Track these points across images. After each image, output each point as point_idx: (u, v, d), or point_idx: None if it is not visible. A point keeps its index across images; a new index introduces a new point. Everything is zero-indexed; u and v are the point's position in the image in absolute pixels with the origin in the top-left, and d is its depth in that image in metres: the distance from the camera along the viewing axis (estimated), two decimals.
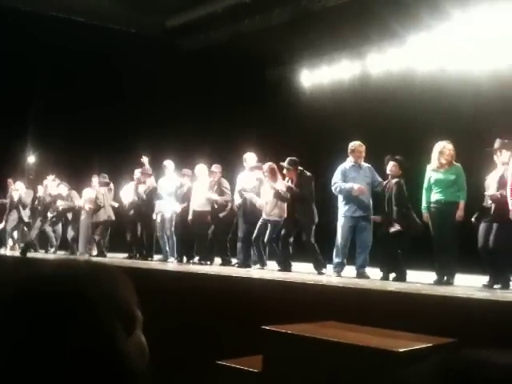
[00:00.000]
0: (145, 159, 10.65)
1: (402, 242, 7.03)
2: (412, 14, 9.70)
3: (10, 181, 13.35)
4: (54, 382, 0.68)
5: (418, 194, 7.14)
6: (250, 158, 9.25)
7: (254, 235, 8.50)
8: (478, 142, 6.88)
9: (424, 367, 0.63)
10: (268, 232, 8.34)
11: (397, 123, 9.74)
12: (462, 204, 6.62)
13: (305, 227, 7.93)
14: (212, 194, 9.32)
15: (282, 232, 8.11)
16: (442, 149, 6.77)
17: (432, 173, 6.83)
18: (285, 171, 8.30)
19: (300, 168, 8.21)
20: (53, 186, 12.33)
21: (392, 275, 6.97)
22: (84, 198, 11.75)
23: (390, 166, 7.24)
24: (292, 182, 8.18)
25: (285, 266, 8.00)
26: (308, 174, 8.18)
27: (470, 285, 6.30)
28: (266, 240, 8.35)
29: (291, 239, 8.16)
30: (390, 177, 7.29)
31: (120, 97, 12.94)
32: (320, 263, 7.79)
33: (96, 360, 0.71)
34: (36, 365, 0.69)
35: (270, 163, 8.61)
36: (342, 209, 7.65)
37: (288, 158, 8.24)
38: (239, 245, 9.09)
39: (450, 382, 0.59)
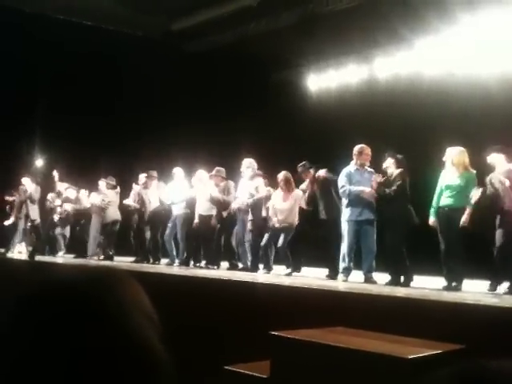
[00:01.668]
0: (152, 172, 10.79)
1: (398, 233, 6.99)
2: (420, 18, 9.67)
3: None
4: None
5: (424, 197, 7.14)
6: (244, 163, 9.24)
7: (264, 243, 8.52)
8: (486, 147, 6.85)
9: (436, 375, 0.62)
10: (283, 239, 8.35)
11: (404, 127, 9.71)
12: (468, 210, 6.60)
13: (330, 235, 7.94)
14: (217, 194, 9.30)
15: (290, 237, 8.12)
16: (454, 155, 6.77)
17: (444, 178, 6.83)
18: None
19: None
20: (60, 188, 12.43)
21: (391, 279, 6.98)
22: (91, 202, 11.77)
23: (389, 163, 7.30)
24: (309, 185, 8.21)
25: (294, 268, 8.02)
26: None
27: (478, 290, 6.27)
28: (280, 246, 8.38)
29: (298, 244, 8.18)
30: (387, 173, 7.31)
31: (126, 99, 12.97)
32: (334, 270, 7.76)
33: (125, 362, 0.71)
34: (51, 370, 0.69)
35: (284, 172, 8.64)
36: (347, 213, 7.65)
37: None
38: (241, 249, 9.11)
39: None
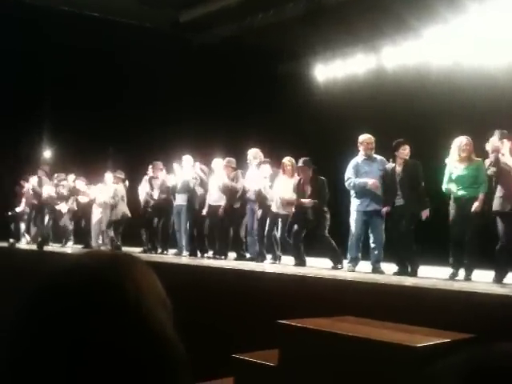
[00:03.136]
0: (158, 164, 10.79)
1: (412, 221, 7.01)
2: (427, 7, 9.60)
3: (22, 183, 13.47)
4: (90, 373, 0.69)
5: (433, 187, 7.13)
6: (250, 154, 9.25)
7: (267, 230, 8.56)
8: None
9: (447, 363, 0.62)
10: (281, 227, 8.42)
11: (411, 117, 9.67)
12: (481, 196, 6.57)
13: (320, 222, 7.93)
14: (227, 181, 9.31)
15: (295, 228, 8.11)
16: (460, 144, 6.74)
17: (453, 169, 6.79)
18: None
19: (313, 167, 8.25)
20: (64, 182, 12.52)
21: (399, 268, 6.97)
22: (97, 194, 11.81)
23: (407, 150, 7.26)
24: (302, 182, 8.19)
25: (300, 261, 8.01)
26: (321, 177, 8.19)
27: (485, 280, 6.26)
28: (279, 235, 8.45)
29: (303, 234, 8.15)
30: (402, 160, 7.26)
31: (133, 92, 12.97)
32: (337, 257, 7.77)
33: (143, 348, 0.72)
34: (66, 360, 0.68)
35: (288, 158, 8.67)
36: (355, 203, 7.65)
37: (303, 159, 8.28)
38: (249, 239, 9.13)
39: (476, 379, 0.58)
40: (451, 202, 6.76)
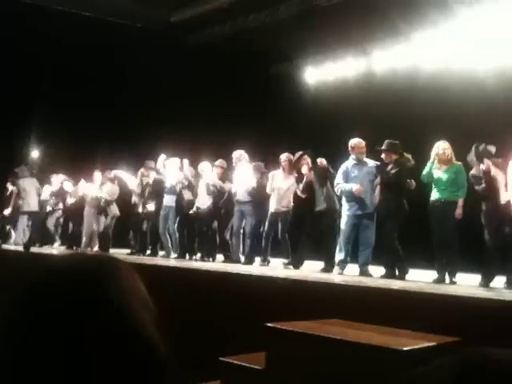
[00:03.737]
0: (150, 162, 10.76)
1: (393, 226, 7.01)
2: (418, 11, 9.67)
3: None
4: (82, 372, 0.69)
5: (421, 190, 7.17)
6: (234, 156, 9.25)
7: (266, 231, 8.52)
8: (482, 142, 6.86)
9: (433, 366, 0.61)
10: (280, 227, 8.42)
11: (401, 121, 9.71)
12: (460, 202, 6.66)
13: (332, 220, 7.86)
14: (216, 181, 9.29)
15: (306, 229, 8.10)
16: (437, 148, 6.83)
17: (433, 171, 6.86)
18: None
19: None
20: (56, 183, 12.43)
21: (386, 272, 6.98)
22: (86, 194, 11.75)
23: (382, 154, 7.32)
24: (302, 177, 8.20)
25: (297, 261, 7.99)
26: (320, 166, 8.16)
27: (472, 284, 6.29)
28: (280, 233, 8.42)
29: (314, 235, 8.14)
30: (391, 163, 7.28)
31: (125, 92, 12.93)
32: (330, 263, 7.72)
33: (123, 349, 0.72)
34: (58, 359, 0.69)
35: (287, 153, 8.67)
36: (345, 207, 7.69)
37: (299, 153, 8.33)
38: (235, 241, 9.09)
39: (462, 382, 0.58)
40: (430, 206, 6.82)
